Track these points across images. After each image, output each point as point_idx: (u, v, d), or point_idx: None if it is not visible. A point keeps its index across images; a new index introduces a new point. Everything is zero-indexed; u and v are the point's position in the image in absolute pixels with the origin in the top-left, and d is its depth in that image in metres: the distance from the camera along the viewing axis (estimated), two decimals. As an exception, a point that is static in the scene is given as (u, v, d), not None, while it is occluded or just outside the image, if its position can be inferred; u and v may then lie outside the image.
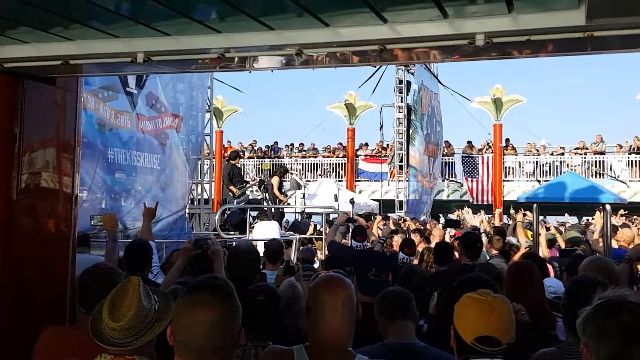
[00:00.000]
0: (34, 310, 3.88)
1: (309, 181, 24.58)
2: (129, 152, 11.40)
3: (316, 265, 7.82)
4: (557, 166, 28.07)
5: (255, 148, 33.31)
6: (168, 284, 4.69)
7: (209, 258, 4.80)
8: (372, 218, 15.60)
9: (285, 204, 15.91)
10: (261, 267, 6.06)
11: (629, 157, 27.49)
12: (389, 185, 28.08)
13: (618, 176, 26.93)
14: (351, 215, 12.06)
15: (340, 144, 31.61)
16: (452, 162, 30.25)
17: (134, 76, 11.26)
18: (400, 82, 25.84)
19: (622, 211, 12.21)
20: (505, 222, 14.88)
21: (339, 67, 3.94)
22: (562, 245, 9.56)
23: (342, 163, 30.72)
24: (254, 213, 14.61)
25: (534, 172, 28.50)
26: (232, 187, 15.02)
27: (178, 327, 2.17)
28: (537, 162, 28.81)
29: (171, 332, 2.20)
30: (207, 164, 16.79)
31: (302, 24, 3.19)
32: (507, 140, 29.39)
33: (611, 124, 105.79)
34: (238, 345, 2.27)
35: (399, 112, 25.89)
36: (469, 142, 29.84)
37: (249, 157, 32.40)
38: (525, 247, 8.57)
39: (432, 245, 8.85)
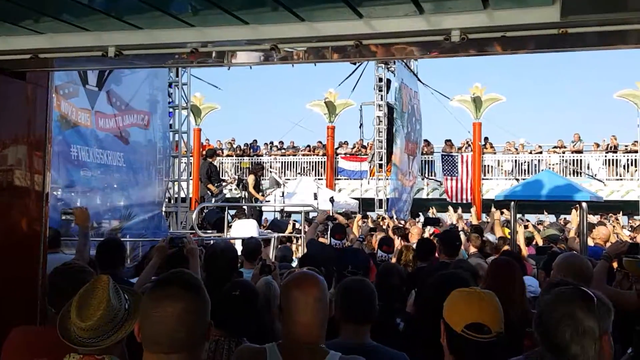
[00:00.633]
0: (4, 309, 3.81)
1: (289, 179, 24.53)
2: (91, 150, 11.30)
3: (294, 264, 7.79)
4: (535, 165, 28.31)
5: (234, 146, 33.17)
6: (142, 282, 4.64)
7: (185, 257, 4.74)
8: (353, 215, 15.61)
9: (264, 202, 15.85)
10: (239, 265, 6.01)
11: (605, 156, 27.80)
12: (368, 183, 28.13)
13: (595, 175, 27.23)
14: (331, 214, 12.04)
15: (320, 142, 31.59)
16: (431, 161, 30.35)
17: (94, 74, 11.19)
18: (380, 80, 25.87)
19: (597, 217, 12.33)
20: (484, 220, 14.97)
21: (318, 62, 3.93)
22: (540, 243, 9.64)
23: (321, 161, 30.70)
24: (232, 211, 14.53)
25: (512, 171, 28.71)
26: (210, 186, 14.94)
27: (145, 322, 2.12)
28: (515, 160, 29.03)
29: (139, 327, 2.15)
30: (184, 162, 16.64)
31: (278, 19, 3.16)
32: (486, 138, 29.57)
33: (589, 123, 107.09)
34: (208, 339, 2.22)
35: (379, 110, 25.92)
36: (449, 141, 29.98)
37: (228, 155, 32.25)
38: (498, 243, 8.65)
39: (410, 243, 8.86)
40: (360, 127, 29.72)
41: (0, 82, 3.91)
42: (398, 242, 8.90)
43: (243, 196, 16.22)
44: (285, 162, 31.38)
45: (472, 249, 8.46)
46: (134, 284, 4.90)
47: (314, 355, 2.62)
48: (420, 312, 3.84)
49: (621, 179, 27.27)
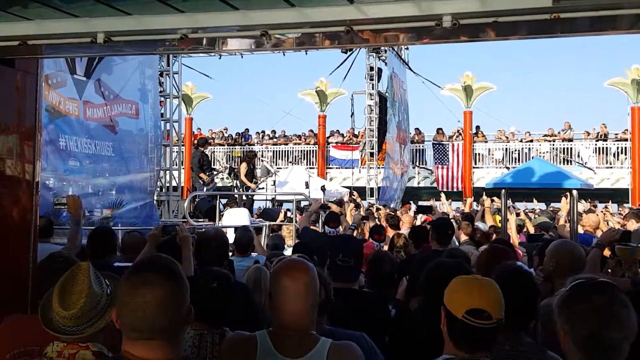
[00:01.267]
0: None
1: (280, 168, 24.50)
2: (79, 140, 11.29)
3: (287, 252, 7.79)
4: (525, 153, 28.37)
5: (226, 135, 33.09)
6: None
7: (177, 245, 4.73)
8: (348, 201, 15.60)
9: (256, 190, 15.84)
10: (230, 254, 6.01)
11: (596, 144, 27.90)
12: (360, 172, 28.14)
13: (585, 163, 27.33)
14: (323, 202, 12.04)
15: (311, 131, 31.56)
16: (422, 150, 30.35)
17: (82, 63, 11.14)
18: (372, 69, 25.81)
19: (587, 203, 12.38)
20: (474, 209, 15.00)
21: (309, 49, 3.89)
22: (532, 231, 9.66)
23: (313, 150, 30.68)
24: (224, 200, 14.51)
25: (503, 159, 28.78)
26: (201, 175, 14.91)
27: (123, 309, 2.08)
28: (506, 149, 29.09)
29: (117, 315, 2.11)
30: (176, 151, 16.59)
31: (267, 4, 3.15)
32: (478, 127, 29.62)
33: (579, 111, 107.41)
34: (189, 323, 2.19)
35: (370, 99, 25.89)
36: (440, 129, 30.01)
37: (219, 144, 32.16)
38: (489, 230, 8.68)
39: (402, 231, 8.88)
40: (351, 116, 29.67)
41: (-12, 70, 3.87)
42: (390, 231, 8.91)
43: (235, 185, 16.19)
44: (276, 151, 31.34)
45: (463, 237, 8.49)
46: (123, 269, 4.89)
47: (304, 341, 2.62)
48: (423, 300, 3.82)
49: (611, 167, 27.41)
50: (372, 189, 25.98)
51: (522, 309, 2.98)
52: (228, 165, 22.24)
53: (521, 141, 29.23)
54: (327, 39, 3.53)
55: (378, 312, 4.27)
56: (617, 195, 25.70)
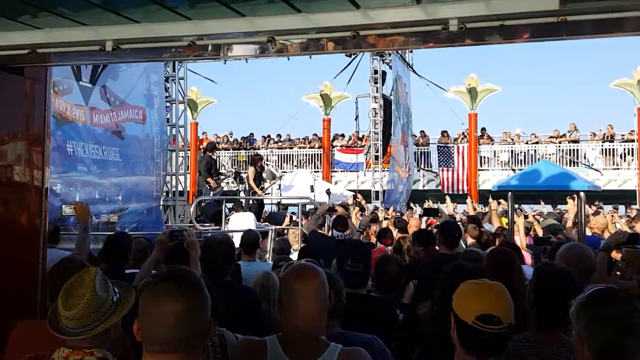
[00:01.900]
0: (5, 304, 3.82)
1: (285, 172, 24.52)
2: (87, 145, 11.36)
3: (292, 256, 7.80)
4: (531, 155, 28.30)
5: (231, 139, 33.14)
6: (143, 275, 4.63)
7: (185, 250, 4.74)
8: (353, 205, 15.61)
9: (262, 195, 15.85)
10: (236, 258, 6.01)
11: (602, 146, 27.78)
12: (364, 175, 28.13)
13: (592, 164, 27.24)
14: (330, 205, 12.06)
15: (316, 134, 31.58)
16: (427, 152, 30.31)
17: (88, 69, 11.20)
18: (376, 72, 25.85)
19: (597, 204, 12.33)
20: (480, 211, 14.99)
21: (314, 54, 3.91)
22: (540, 233, 9.62)
23: (317, 154, 30.68)
24: (230, 204, 14.53)
25: (509, 161, 28.71)
26: (209, 180, 14.93)
27: (144, 320, 2.08)
28: (512, 151, 29.02)
29: (137, 326, 2.11)
30: (182, 156, 16.64)
31: (274, 10, 3.15)
32: (483, 129, 29.56)
33: (585, 112, 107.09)
34: (208, 337, 2.20)
35: (375, 103, 25.92)
36: (445, 132, 29.98)
37: (225, 149, 32.21)
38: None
39: (408, 234, 8.86)
40: (356, 119, 29.73)
41: (-2, 78, 3.90)
42: (396, 234, 8.91)
43: (240, 189, 16.21)
44: (281, 154, 31.36)
45: (470, 240, 8.47)
46: (134, 275, 4.91)
47: (314, 346, 2.62)
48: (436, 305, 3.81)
49: (618, 169, 27.29)
50: (377, 192, 25.98)
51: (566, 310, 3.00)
52: (233, 170, 22.29)
53: (527, 143, 29.15)
54: (332, 44, 3.54)
55: (385, 316, 4.27)
56: (624, 197, 25.63)
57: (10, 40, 3.64)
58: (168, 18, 3.26)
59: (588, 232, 9.00)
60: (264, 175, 16.07)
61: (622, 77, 28.09)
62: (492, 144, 29.56)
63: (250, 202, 14.80)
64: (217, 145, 26.83)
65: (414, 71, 27.97)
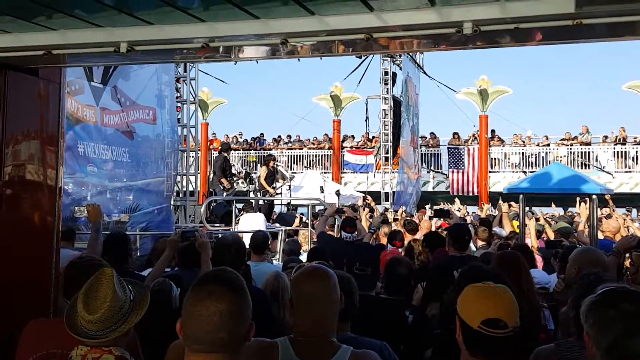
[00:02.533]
0: (18, 302, 3.84)
1: (295, 173, 24.56)
2: (97, 146, 11.46)
3: (302, 257, 7.81)
4: (542, 157, 28.19)
5: (241, 140, 33.21)
6: (155, 275, 4.66)
7: (197, 250, 4.76)
8: (363, 206, 15.60)
9: (274, 195, 15.88)
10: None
11: (614, 148, 27.63)
12: (374, 177, 28.11)
13: (604, 167, 27.10)
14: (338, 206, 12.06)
15: (326, 135, 31.59)
16: (438, 154, 30.26)
17: (99, 70, 11.26)
18: (386, 73, 25.83)
19: (607, 196, 12.20)
20: (491, 214, 14.94)
21: (325, 56, 3.91)
22: (551, 237, 9.57)
23: (327, 155, 30.70)
24: (240, 205, 14.57)
25: (519, 164, 28.61)
26: (223, 180, 14.96)
27: (188, 319, 2.10)
28: (523, 153, 28.92)
29: (181, 325, 2.14)
30: (192, 156, 16.69)
31: (288, 13, 3.15)
32: (493, 131, 29.48)
33: (597, 115, 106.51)
34: (248, 339, 2.20)
35: (385, 104, 25.91)
36: (456, 134, 29.91)
37: (235, 149, 32.28)
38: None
39: (419, 236, 8.85)
40: (366, 120, 29.77)
41: (13, 79, 3.93)
42: (407, 236, 8.90)
43: (250, 189, 16.24)
44: (291, 155, 31.40)
45: (480, 243, 8.45)
46: (144, 276, 4.94)
47: (325, 348, 2.63)
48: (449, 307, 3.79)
49: (630, 171, 27.11)
50: (386, 193, 25.95)
51: None
52: (243, 170, 22.34)
53: (538, 145, 29.04)
54: (345, 46, 3.54)
55: (395, 318, 4.27)
56: (636, 200, 25.47)
57: (25, 41, 3.66)
58: (182, 20, 3.27)
59: (600, 236, 8.96)
60: (277, 175, 16.13)
61: (634, 79, 27.93)
62: (503, 146, 29.45)
63: (260, 202, 14.82)
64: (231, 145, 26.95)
65: (425, 72, 27.95)
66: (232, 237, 5.49)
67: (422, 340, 4.17)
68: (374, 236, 9.04)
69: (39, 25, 3.48)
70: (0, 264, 3.87)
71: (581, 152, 27.97)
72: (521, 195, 9.21)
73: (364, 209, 14.31)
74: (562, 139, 28.96)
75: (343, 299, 2.83)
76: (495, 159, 29.13)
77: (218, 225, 13.25)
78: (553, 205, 19.44)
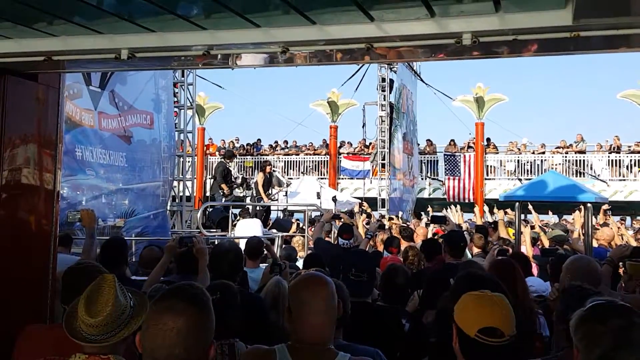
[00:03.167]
0: (14, 307, 3.84)
1: (292, 179, 24.55)
2: (95, 150, 11.44)
3: (299, 263, 7.82)
4: (538, 165, 28.29)
5: (237, 145, 33.20)
6: (152, 281, 4.67)
7: (194, 256, 4.76)
8: (360, 212, 15.61)
9: (267, 201, 15.88)
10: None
11: (609, 157, 27.76)
12: (371, 183, 28.13)
13: (598, 175, 27.20)
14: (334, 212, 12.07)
15: (324, 140, 31.61)
16: (434, 161, 30.34)
17: (97, 75, 11.27)
18: (383, 80, 25.87)
19: (605, 206, 12.27)
20: (487, 220, 14.97)
21: (323, 65, 3.92)
22: (547, 244, 9.60)
23: (324, 161, 30.72)
24: (236, 211, 14.56)
25: (515, 171, 28.69)
26: (223, 185, 14.98)
27: (145, 333, 2.06)
28: (518, 160, 29.01)
29: (139, 338, 2.10)
30: (189, 161, 16.69)
31: (289, 22, 3.16)
32: (489, 139, 29.57)
33: (592, 123, 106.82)
34: (209, 358, 2.13)
35: (382, 110, 25.93)
36: (452, 141, 29.98)
37: (232, 155, 32.24)
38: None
39: (415, 244, 8.86)
40: (363, 126, 29.73)
41: (13, 83, 3.94)
42: (403, 243, 8.91)
43: (246, 195, 16.24)
44: (288, 161, 31.41)
45: (476, 250, 8.47)
46: (139, 282, 4.94)
47: (323, 356, 2.64)
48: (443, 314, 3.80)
49: (624, 180, 27.24)
50: (383, 199, 25.96)
51: None
52: (240, 176, 22.33)
53: (533, 153, 29.13)
54: (345, 55, 3.56)
55: (391, 325, 4.28)
56: (631, 208, 25.56)
57: (25, 46, 3.67)
58: (183, 27, 3.28)
59: (595, 244, 8.99)
60: (273, 181, 16.14)
61: (629, 88, 28.05)
62: (498, 153, 29.54)
63: (257, 208, 14.82)
64: (221, 150, 26.93)
65: (422, 80, 28.02)
66: (229, 244, 5.49)
67: (419, 348, 4.18)
68: (371, 242, 9.04)
69: (39, 31, 3.48)
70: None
71: (576, 160, 28.08)
72: (517, 203, 9.24)
73: (360, 215, 14.33)
74: (558, 147, 29.06)
75: (341, 306, 2.84)
76: (490, 166, 29.21)
77: (214, 230, 13.23)
78: (550, 213, 19.47)
